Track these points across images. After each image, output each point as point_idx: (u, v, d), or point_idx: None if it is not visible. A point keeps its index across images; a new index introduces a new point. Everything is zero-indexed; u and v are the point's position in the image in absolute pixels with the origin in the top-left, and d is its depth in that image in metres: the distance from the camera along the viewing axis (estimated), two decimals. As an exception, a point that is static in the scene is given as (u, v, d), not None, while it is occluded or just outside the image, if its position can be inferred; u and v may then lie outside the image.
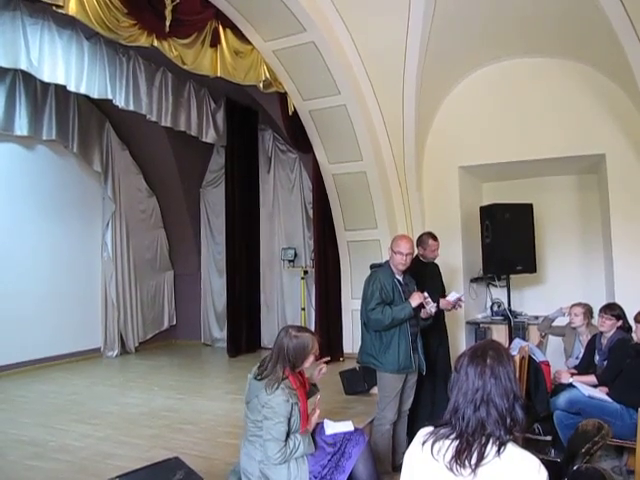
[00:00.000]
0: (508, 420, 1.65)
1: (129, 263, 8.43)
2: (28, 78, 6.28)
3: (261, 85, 6.22)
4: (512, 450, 1.62)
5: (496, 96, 6.49)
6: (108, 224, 8.10)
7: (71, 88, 5.63)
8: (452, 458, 1.63)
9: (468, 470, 1.59)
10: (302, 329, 3.14)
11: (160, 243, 9.16)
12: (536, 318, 6.36)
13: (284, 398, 2.84)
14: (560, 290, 6.49)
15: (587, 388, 4.05)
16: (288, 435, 2.87)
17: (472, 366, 1.71)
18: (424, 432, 1.78)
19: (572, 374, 4.43)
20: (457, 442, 1.65)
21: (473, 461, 1.59)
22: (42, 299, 7.21)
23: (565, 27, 5.62)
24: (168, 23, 4.89)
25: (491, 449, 1.61)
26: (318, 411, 3.12)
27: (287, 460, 2.86)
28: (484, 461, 1.59)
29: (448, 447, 1.66)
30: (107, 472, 3.57)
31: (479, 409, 1.65)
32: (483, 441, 1.62)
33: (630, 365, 3.94)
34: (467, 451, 1.61)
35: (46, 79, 5.45)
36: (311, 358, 3.04)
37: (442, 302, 4.42)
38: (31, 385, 6.18)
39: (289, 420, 2.87)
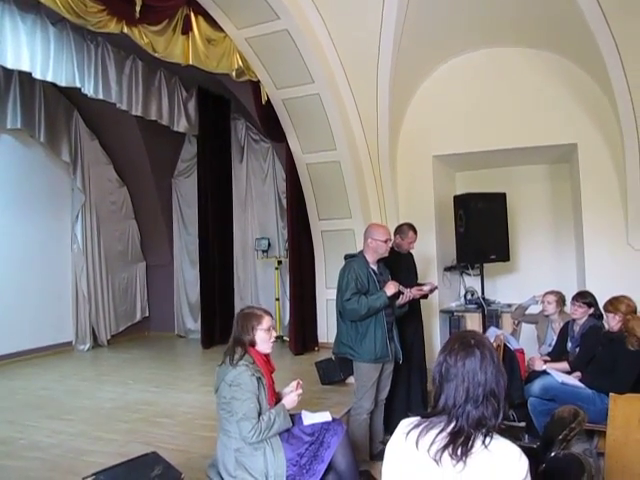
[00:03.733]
0: (503, 407, 1.66)
1: (100, 255, 8.30)
2: (-11, 65, 6.10)
3: (234, 74, 6.14)
4: (495, 440, 1.63)
5: (469, 86, 6.50)
6: (78, 216, 7.93)
7: (37, 75, 5.45)
8: (439, 450, 1.61)
9: (454, 462, 1.58)
10: (253, 307, 3.23)
11: (131, 234, 9.02)
12: (509, 306, 6.44)
13: (249, 373, 2.84)
14: (532, 278, 6.58)
15: (560, 375, 4.11)
16: (260, 414, 2.85)
17: (472, 358, 1.68)
18: (407, 422, 1.76)
19: (545, 361, 4.50)
20: (447, 434, 1.63)
21: (461, 453, 1.58)
22: (10, 293, 7.03)
23: (538, 18, 5.65)
24: (138, 9, 4.76)
25: (478, 440, 1.61)
26: (299, 387, 3.11)
27: (264, 438, 2.83)
28: (471, 452, 1.59)
29: (435, 439, 1.64)
30: (82, 469, 3.49)
31: (482, 403, 1.64)
32: (473, 433, 1.61)
33: (602, 352, 4.02)
34: (455, 443, 1.60)
35: (9, 66, 5.27)
36: (260, 334, 3.01)
37: (414, 291, 4.20)
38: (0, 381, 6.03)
39: (258, 397, 2.86)
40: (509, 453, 1.61)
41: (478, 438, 1.61)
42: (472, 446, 1.60)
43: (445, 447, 1.61)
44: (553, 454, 2.19)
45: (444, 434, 1.64)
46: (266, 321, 3.07)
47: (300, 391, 3.12)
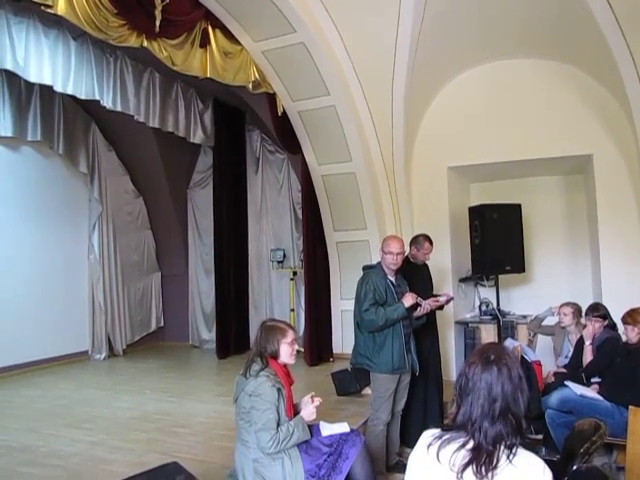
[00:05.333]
0: (523, 425, 1.65)
1: (116, 265, 8.38)
2: (12, 78, 6.24)
3: (250, 86, 6.20)
4: (520, 454, 1.62)
5: (484, 97, 6.52)
6: (95, 226, 8.02)
7: (58, 89, 5.58)
8: (462, 466, 1.60)
9: (479, 477, 1.58)
10: (276, 320, 3.25)
11: (147, 244, 9.11)
12: (524, 317, 6.38)
13: (269, 384, 2.86)
14: (547, 290, 6.54)
15: (579, 387, 4.09)
16: (279, 425, 2.86)
17: (488, 373, 1.67)
18: (429, 434, 1.76)
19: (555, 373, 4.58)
20: (466, 451, 1.63)
21: (486, 470, 1.57)
22: (28, 302, 7.11)
23: (554, 29, 5.67)
24: (158, 23, 4.84)
25: (503, 455, 1.60)
26: (317, 402, 3.10)
27: (282, 449, 2.84)
28: (496, 469, 1.58)
29: (456, 453, 1.63)
30: (101, 478, 3.56)
31: (498, 419, 1.63)
32: (496, 449, 1.60)
33: (620, 364, 4.00)
34: (478, 460, 1.59)
35: (32, 79, 5.40)
36: (284, 347, 3.05)
37: (430, 302, 4.18)
38: (18, 390, 6.09)
39: (277, 408, 2.87)
40: (533, 466, 1.60)
41: (503, 454, 1.60)
42: (497, 463, 1.59)
43: (468, 463, 1.60)
44: (576, 468, 2.18)
45: (463, 451, 1.63)
46: (290, 335, 3.09)
47: (317, 403, 3.11)
